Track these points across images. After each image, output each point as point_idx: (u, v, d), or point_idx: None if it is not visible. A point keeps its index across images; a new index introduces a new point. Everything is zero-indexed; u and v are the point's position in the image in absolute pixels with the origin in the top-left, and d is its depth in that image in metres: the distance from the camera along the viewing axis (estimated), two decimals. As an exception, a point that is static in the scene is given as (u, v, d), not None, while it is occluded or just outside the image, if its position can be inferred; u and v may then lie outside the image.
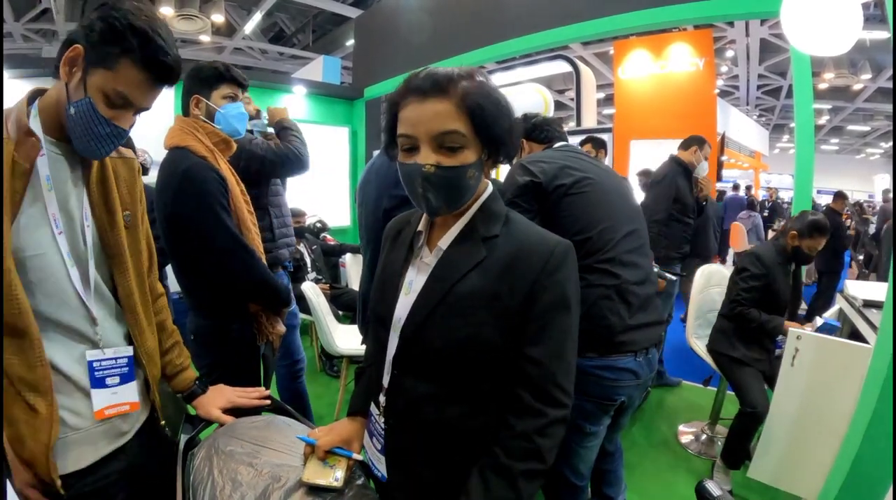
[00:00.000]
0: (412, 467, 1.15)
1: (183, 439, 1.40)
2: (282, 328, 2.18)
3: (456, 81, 1.01)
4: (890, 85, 13.69)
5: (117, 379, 1.24)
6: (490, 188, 1.15)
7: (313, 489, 1.16)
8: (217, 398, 1.49)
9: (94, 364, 1.19)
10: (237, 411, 1.48)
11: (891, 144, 23.59)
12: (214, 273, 1.95)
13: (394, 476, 1.18)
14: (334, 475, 1.18)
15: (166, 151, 1.96)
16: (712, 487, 0.88)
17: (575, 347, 1.08)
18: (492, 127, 1.02)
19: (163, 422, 1.39)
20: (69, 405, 1.15)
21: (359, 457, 1.24)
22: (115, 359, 1.24)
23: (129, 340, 1.30)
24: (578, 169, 1.90)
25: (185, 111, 2.02)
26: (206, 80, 2.02)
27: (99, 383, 1.20)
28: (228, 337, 2.03)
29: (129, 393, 1.26)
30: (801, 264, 3.08)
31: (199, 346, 2.02)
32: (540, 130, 2.19)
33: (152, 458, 1.34)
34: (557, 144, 2.13)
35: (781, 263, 2.98)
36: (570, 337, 1.07)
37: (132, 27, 1.03)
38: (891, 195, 9.68)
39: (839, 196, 7.52)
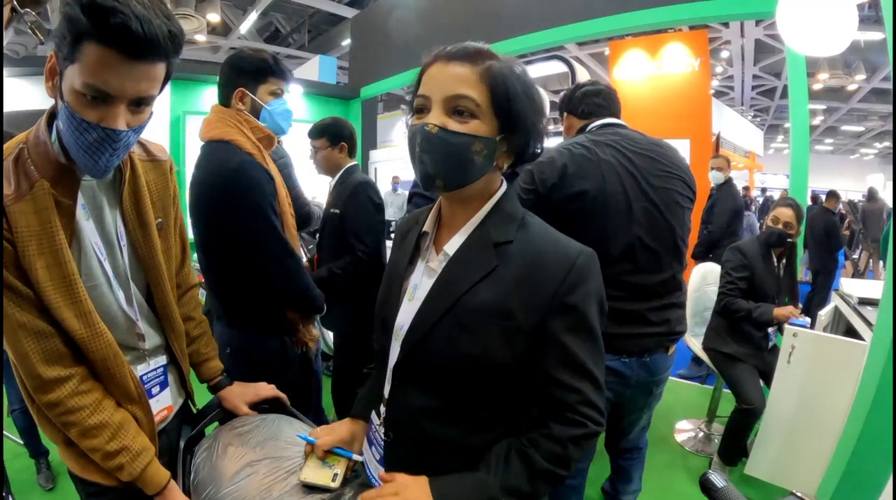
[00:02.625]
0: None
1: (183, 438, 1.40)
2: (317, 333, 2.06)
3: (485, 55, 0.96)
4: (884, 86, 13.74)
5: (158, 388, 1.29)
6: (504, 187, 1.07)
7: (312, 488, 1.16)
8: (245, 393, 1.48)
9: (144, 378, 1.24)
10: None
11: (885, 144, 23.69)
12: (257, 279, 1.79)
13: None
14: (332, 475, 1.17)
15: (204, 143, 1.81)
16: (716, 479, 0.88)
17: (602, 361, 1.01)
18: (511, 103, 0.95)
19: (196, 409, 1.47)
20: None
21: (359, 458, 1.22)
22: (156, 369, 1.28)
23: (165, 344, 1.33)
24: (581, 176, 1.74)
25: (226, 103, 1.82)
26: (252, 74, 1.81)
27: (148, 394, 1.24)
28: (268, 351, 1.90)
29: (166, 399, 1.32)
30: (783, 244, 3.00)
31: (237, 361, 1.80)
32: (577, 103, 1.99)
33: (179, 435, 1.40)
34: (597, 123, 1.93)
35: (765, 254, 2.99)
36: (598, 353, 1.00)
37: (83, 6, 0.87)
38: (884, 194, 9.69)
39: (832, 195, 7.56)
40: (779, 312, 2.77)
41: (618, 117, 1.97)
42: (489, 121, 0.95)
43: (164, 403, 1.31)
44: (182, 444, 1.36)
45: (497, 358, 0.97)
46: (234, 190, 1.69)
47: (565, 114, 2.06)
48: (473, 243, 1.02)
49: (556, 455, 0.96)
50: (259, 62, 1.81)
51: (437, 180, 0.97)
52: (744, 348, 2.95)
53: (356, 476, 1.23)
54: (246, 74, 1.81)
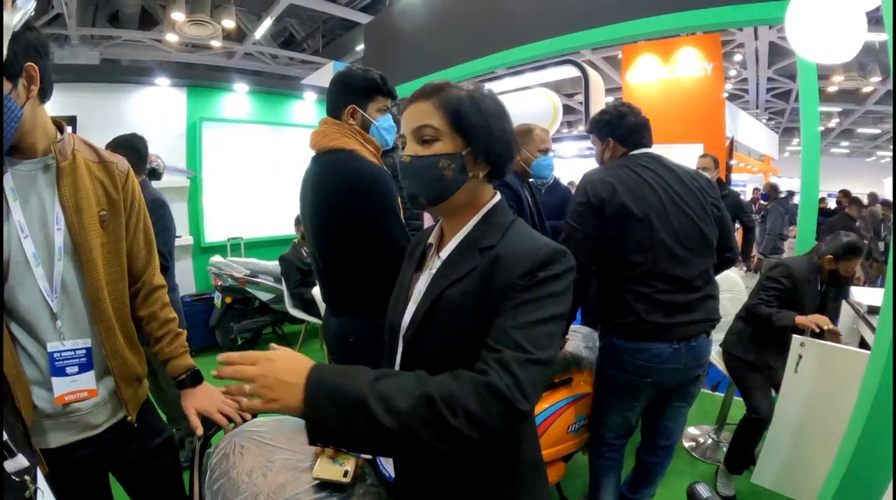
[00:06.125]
0: (415, 468, 1.18)
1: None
2: None
3: (441, 88, 1.12)
4: (900, 88, 13.58)
5: (76, 368, 1.35)
6: (496, 199, 1.19)
7: (324, 485, 1.20)
8: (202, 399, 1.52)
9: (55, 355, 1.31)
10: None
11: (902, 146, 23.40)
12: (388, 275, 1.75)
13: (401, 476, 1.22)
14: (343, 472, 1.23)
15: (318, 151, 1.95)
16: (702, 489, 0.92)
17: (545, 343, 0.97)
18: (463, 120, 1.09)
19: (130, 418, 1.47)
20: (39, 392, 1.30)
21: (367, 455, 1.29)
22: (74, 350, 1.34)
23: (93, 334, 1.39)
24: (626, 192, 2.09)
25: (336, 115, 1.98)
26: (363, 92, 1.98)
27: (59, 371, 1.32)
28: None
29: (87, 381, 1.37)
30: (838, 286, 3.02)
31: (363, 346, 1.86)
32: (626, 135, 2.28)
33: (127, 451, 1.47)
34: (635, 152, 2.25)
35: (812, 281, 2.94)
36: (537, 332, 0.97)
37: None
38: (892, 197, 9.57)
39: (854, 202, 7.42)
40: (802, 319, 2.69)
41: (650, 144, 2.30)
42: (451, 140, 1.11)
43: (83, 385, 1.36)
44: (198, 444, 1.41)
45: (477, 341, 1.01)
46: (377, 192, 1.83)
47: (611, 140, 2.31)
48: (463, 248, 1.14)
49: (448, 391, 0.91)
50: (370, 82, 1.98)
51: (420, 198, 1.14)
52: (763, 358, 2.94)
53: (367, 475, 1.28)
54: (357, 92, 1.96)
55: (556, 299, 1.02)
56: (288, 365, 0.91)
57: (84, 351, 1.36)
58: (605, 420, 2.29)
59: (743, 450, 2.86)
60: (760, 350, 2.95)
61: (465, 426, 0.88)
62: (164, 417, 2.89)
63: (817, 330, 2.65)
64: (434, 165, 1.10)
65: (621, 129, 2.27)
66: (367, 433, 0.88)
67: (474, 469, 1.09)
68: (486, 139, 1.11)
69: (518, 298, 1.01)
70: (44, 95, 1.27)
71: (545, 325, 0.99)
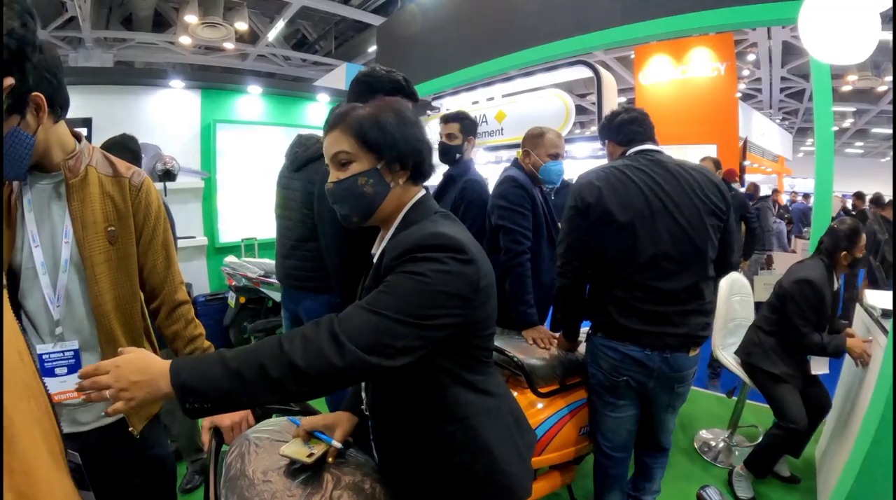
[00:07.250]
0: (392, 454, 1.31)
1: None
2: None
3: (347, 113, 1.23)
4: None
5: (65, 370, 1.40)
6: (416, 197, 1.29)
7: (339, 481, 1.25)
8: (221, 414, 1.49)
9: (44, 356, 1.37)
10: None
11: (918, 146, 23.16)
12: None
13: (383, 461, 1.35)
14: (309, 453, 1.28)
15: None
16: (712, 493, 0.92)
17: (393, 309, 1.05)
18: (366, 136, 1.20)
19: (132, 428, 1.49)
20: None
21: (337, 445, 1.33)
22: (63, 352, 1.39)
23: (95, 345, 1.44)
24: (613, 197, 2.04)
25: None
26: (385, 93, 1.87)
27: (49, 372, 1.37)
28: None
29: (73, 383, 1.39)
30: (859, 265, 3.04)
31: None
32: (617, 132, 2.27)
33: (110, 455, 1.48)
34: (633, 150, 2.18)
35: (830, 283, 2.93)
36: (392, 306, 1.05)
37: None
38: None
39: (883, 204, 7.31)
40: (853, 344, 2.74)
41: (653, 139, 2.23)
42: (365, 158, 1.21)
43: (72, 385, 1.37)
44: (214, 443, 1.43)
45: None
46: None
47: (607, 141, 2.34)
48: (387, 249, 1.20)
49: (295, 329, 1.05)
50: (393, 83, 1.94)
51: (351, 217, 1.26)
52: (790, 369, 2.91)
53: (341, 460, 1.35)
54: (380, 93, 1.87)
55: (421, 277, 1.08)
56: (135, 367, 1.01)
57: (72, 353, 1.40)
58: (599, 426, 2.26)
59: (770, 457, 2.85)
60: (788, 362, 2.92)
61: (296, 348, 1.00)
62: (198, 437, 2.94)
63: (866, 358, 2.69)
64: (354, 184, 1.21)
65: (612, 128, 2.29)
66: (223, 380, 0.98)
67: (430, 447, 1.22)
68: (394, 149, 1.21)
69: (390, 279, 1.10)
70: (57, 114, 1.31)
71: (394, 295, 1.07)
